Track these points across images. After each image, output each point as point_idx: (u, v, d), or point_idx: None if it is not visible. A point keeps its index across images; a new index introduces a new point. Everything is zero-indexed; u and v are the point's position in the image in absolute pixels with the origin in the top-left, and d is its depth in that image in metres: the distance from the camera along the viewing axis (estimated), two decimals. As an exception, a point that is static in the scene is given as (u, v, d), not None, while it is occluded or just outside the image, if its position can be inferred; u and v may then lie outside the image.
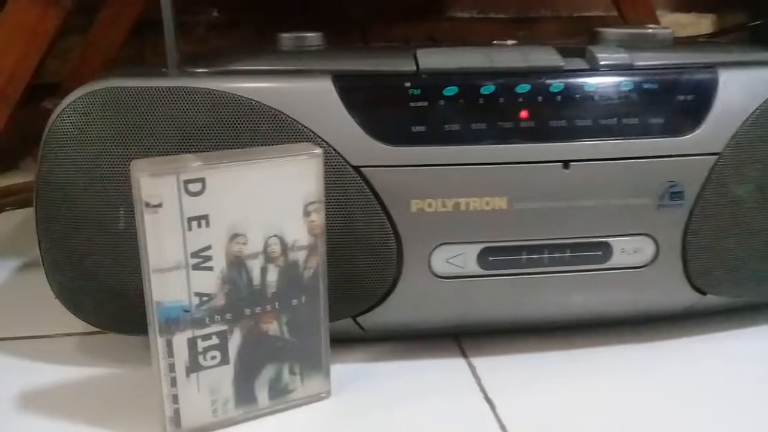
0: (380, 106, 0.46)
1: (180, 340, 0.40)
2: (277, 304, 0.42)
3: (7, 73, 0.65)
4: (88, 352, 0.51)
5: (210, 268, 0.40)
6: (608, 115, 0.47)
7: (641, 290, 0.50)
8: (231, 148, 0.44)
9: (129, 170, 0.38)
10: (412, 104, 0.46)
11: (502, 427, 0.43)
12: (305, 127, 0.45)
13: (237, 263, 0.40)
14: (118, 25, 0.89)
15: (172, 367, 0.40)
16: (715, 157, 0.48)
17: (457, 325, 0.51)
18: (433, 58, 0.47)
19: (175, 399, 0.41)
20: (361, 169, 0.45)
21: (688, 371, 0.49)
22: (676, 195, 0.48)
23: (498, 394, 0.46)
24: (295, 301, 0.43)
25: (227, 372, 0.42)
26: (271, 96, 0.45)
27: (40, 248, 0.46)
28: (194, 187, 0.38)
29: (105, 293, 0.46)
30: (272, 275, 0.42)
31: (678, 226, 0.48)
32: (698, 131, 0.47)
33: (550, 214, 0.47)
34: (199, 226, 0.39)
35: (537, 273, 0.48)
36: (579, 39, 0.61)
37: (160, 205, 0.38)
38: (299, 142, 0.44)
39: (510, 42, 0.56)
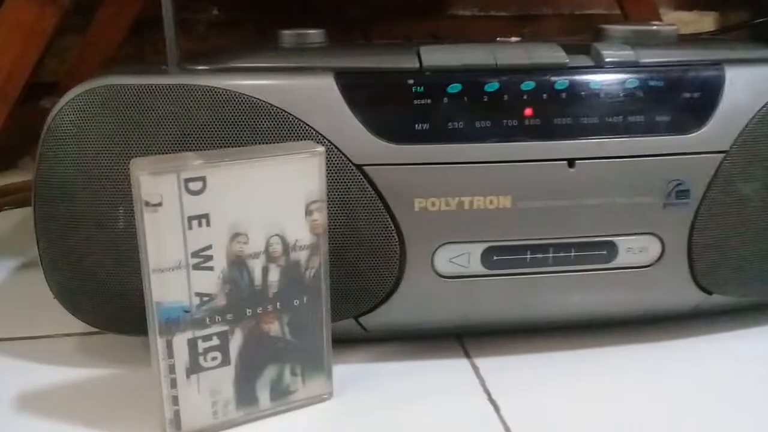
0: (383, 104, 0.46)
1: (180, 341, 0.40)
2: (278, 304, 0.42)
3: (6, 71, 0.65)
4: (87, 352, 0.51)
5: (210, 268, 0.39)
6: (613, 113, 0.46)
7: (646, 290, 0.49)
8: (232, 146, 0.43)
9: (129, 169, 0.37)
10: (416, 102, 0.45)
11: (507, 429, 0.43)
12: (307, 124, 0.44)
13: (238, 263, 0.40)
14: (117, 24, 0.89)
15: (172, 368, 0.40)
16: (722, 155, 0.47)
17: (460, 325, 0.51)
18: (437, 55, 0.47)
19: (175, 400, 0.40)
20: (364, 167, 0.45)
21: (693, 371, 0.48)
22: (682, 194, 0.47)
23: (502, 395, 0.46)
24: (296, 302, 0.42)
25: (228, 373, 0.41)
26: (273, 93, 0.44)
27: (38, 248, 0.46)
28: (195, 186, 0.38)
29: (104, 293, 0.45)
30: (274, 275, 0.41)
31: (684, 225, 0.48)
32: (705, 129, 0.47)
33: (554, 213, 0.47)
34: (200, 225, 0.39)
35: (541, 273, 0.48)
36: (583, 36, 0.60)
37: (160, 204, 0.37)
38: (301, 140, 0.44)
39: (514, 39, 0.55)
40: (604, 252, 0.48)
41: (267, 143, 0.44)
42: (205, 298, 0.40)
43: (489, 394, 0.46)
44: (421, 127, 0.45)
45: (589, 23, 1.08)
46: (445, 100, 0.46)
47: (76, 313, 0.47)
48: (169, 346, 0.39)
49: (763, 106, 0.48)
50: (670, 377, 0.48)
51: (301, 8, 0.94)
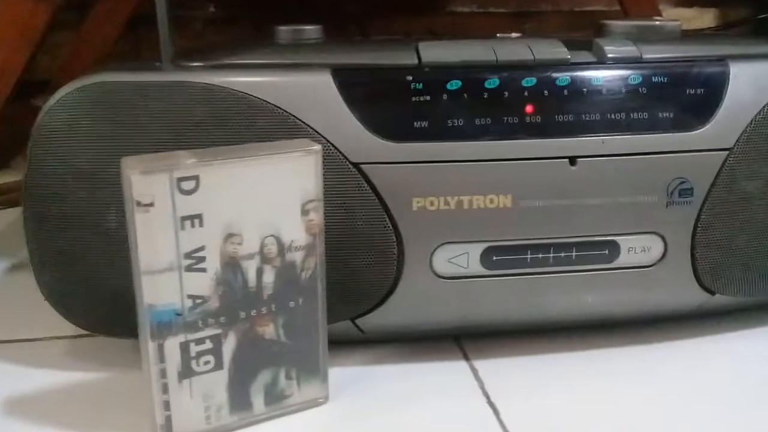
0: (381, 101, 0.45)
1: (172, 345, 0.39)
2: (273, 306, 0.41)
3: (-2, 68, 0.65)
4: (78, 355, 0.50)
5: (203, 270, 0.39)
6: (616, 110, 0.46)
7: (649, 290, 0.49)
8: (226, 145, 0.42)
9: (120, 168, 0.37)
10: (414, 99, 0.45)
11: (507, 432, 0.42)
12: (303, 122, 0.44)
13: (232, 264, 0.39)
14: (113, 20, 0.88)
15: (163, 373, 0.39)
16: (726, 152, 0.47)
17: (458, 326, 0.50)
18: (436, 52, 0.46)
19: (166, 405, 0.39)
20: (361, 166, 0.44)
21: (695, 372, 0.48)
22: (685, 192, 0.47)
23: (501, 397, 0.45)
24: (292, 303, 0.41)
25: (221, 377, 0.41)
26: (268, 90, 0.44)
27: (28, 249, 0.45)
28: (187, 185, 0.37)
29: (95, 295, 0.45)
30: (268, 276, 0.40)
31: (687, 223, 0.47)
32: (708, 126, 0.46)
33: (555, 212, 0.46)
34: (193, 225, 0.38)
35: (542, 273, 0.47)
36: (584, 33, 0.60)
37: (151, 204, 0.37)
38: (297, 138, 0.43)
39: (514, 35, 0.55)
40: (606, 252, 0.47)
41: (262, 141, 0.43)
42: (198, 301, 0.39)
43: (488, 397, 0.45)
44: (420, 124, 0.45)
45: (589, 20, 1.07)
46: (445, 97, 0.45)
47: (66, 315, 0.46)
48: (160, 349, 0.39)
49: (768, 103, 0.47)
50: (671, 378, 0.47)
51: (297, 4, 0.93)
